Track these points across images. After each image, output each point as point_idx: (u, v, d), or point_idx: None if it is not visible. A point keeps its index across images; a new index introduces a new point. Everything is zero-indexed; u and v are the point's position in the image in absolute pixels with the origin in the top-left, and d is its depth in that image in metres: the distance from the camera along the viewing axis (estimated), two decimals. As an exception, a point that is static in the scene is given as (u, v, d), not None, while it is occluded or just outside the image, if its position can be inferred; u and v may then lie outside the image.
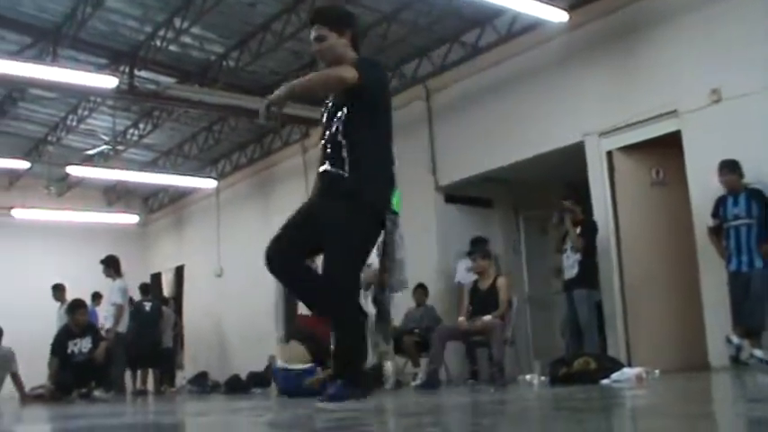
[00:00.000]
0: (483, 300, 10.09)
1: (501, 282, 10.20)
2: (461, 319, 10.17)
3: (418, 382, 10.18)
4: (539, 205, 12.82)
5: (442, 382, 9.87)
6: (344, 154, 4.75)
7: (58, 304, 14.62)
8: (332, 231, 4.72)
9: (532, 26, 11.02)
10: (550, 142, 10.99)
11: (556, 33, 10.86)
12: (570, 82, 10.87)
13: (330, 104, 4.93)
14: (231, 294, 17.21)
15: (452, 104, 12.50)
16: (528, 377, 9.35)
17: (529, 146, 11.25)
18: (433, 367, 9.82)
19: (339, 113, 4.80)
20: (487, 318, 9.78)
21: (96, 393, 11.42)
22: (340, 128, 4.77)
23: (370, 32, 12.19)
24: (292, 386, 9.14)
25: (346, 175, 4.73)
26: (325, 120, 4.92)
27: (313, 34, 4.92)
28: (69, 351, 11.72)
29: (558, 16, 10.28)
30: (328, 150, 4.82)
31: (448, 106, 12.58)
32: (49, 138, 16.60)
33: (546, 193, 12.17)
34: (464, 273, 11.84)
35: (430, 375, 9.73)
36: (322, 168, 4.88)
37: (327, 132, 4.84)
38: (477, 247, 11.33)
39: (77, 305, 12.06)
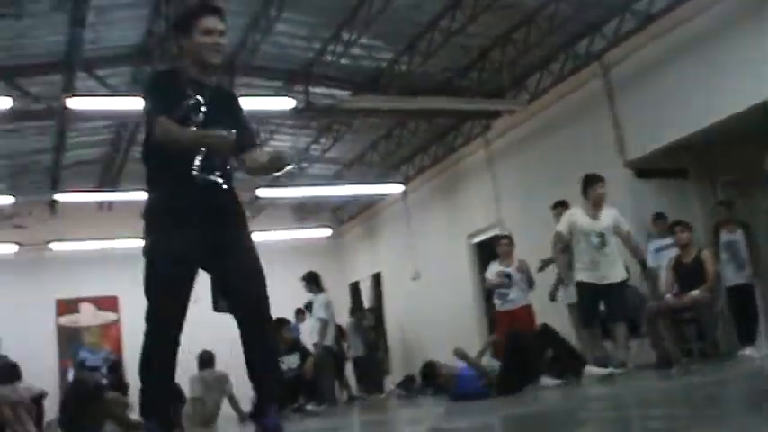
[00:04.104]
0: (688, 274, 9.69)
1: (705, 254, 9.78)
2: (668, 296, 9.80)
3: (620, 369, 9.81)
4: (738, 169, 12.15)
5: (673, 359, 9.43)
6: (230, 169, 4.56)
7: None
8: (250, 252, 4.53)
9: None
10: (744, 100, 10.33)
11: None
12: (758, 36, 10.23)
13: (204, 108, 4.44)
14: (429, 296, 17.24)
15: (632, 76, 12.03)
16: (747, 351, 8.86)
17: (720, 107, 10.60)
18: (661, 347, 9.46)
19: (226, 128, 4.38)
20: (695, 293, 9.39)
21: (308, 407, 11.63)
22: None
23: (537, 17, 11.93)
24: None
25: (233, 191, 4.56)
26: (198, 121, 4.41)
27: (222, 26, 4.46)
28: (279, 369, 11.99)
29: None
30: (216, 162, 4.43)
31: (628, 79, 12.11)
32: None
33: (746, 153, 11.49)
34: (654, 255, 11.30)
35: (660, 356, 9.37)
36: (208, 179, 4.41)
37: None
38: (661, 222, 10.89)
39: (281, 323, 12.31)
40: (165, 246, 4.29)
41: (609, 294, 9.38)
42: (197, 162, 4.32)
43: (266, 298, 4.42)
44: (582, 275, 9.41)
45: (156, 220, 4.38)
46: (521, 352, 9.17)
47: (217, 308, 4.40)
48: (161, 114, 4.27)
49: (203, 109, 4.39)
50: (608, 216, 9.48)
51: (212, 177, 4.37)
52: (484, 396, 8.40)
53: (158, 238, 4.33)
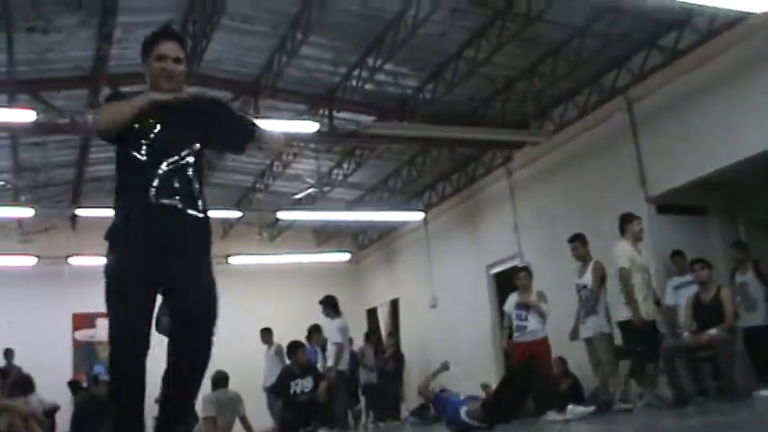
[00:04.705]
0: (707, 312, 9.59)
1: (725, 293, 9.68)
2: (686, 333, 9.71)
3: (643, 402, 9.76)
4: (761, 207, 12.06)
5: (689, 398, 9.34)
6: (195, 192, 4.22)
7: (266, 347, 15.25)
8: (207, 300, 4.17)
9: (735, 21, 10.41)
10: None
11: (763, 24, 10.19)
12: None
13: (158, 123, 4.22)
14: (447, 325, 17.17)
15: (656, 111, 11.97)
16: (765, 392, 8.75)
17: (743, 145, 10.54)
18: (677, 385, 9.35)
19: (190, 144, 4.27)
20: (713, 331, 9.29)
21: (320, 431, 11.57)
22: (190, 161, 4.24)
23: (563, 49, 11.91)
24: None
25: (201, 216, 4.23)
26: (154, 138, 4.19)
27: (176, 53, 4.31)
28: (292, 391, 11.94)
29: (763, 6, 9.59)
30: (176, 185, 4.14)
31: (652, 114, 12.06)
32: (257, 185, 17.17)
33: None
34: (673, 292, 11.27)
35: (676, 394, 9.25)
36: (166, 202, 4.10)
37: (166, 158, 4.16)
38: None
39: (296, 346, 12.27)
40: (121, 268, 4.07)
41: (647, 332, 9.45)
42: (154, 185, 4.10)
43: (209, 343, 4.17)
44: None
45: (115, 242, 4.16)
46: (523, 382, 9.32)
47: (158, 329, 4.16)
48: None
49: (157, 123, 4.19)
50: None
51: (171, 201, 4.12)
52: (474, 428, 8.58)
53: (116, 259, 4.11)
